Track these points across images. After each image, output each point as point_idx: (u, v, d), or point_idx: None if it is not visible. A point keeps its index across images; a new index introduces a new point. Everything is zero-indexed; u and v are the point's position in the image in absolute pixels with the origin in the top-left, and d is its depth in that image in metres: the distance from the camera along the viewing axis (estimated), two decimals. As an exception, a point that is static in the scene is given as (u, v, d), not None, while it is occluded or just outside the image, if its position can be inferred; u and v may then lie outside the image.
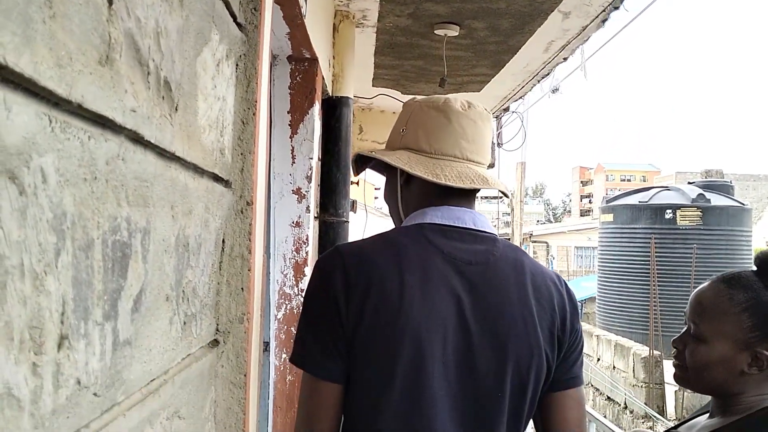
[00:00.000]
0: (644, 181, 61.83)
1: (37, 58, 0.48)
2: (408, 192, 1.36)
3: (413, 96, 1.41)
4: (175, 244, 0.85)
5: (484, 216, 1.35)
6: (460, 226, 1.29)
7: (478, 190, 1.34)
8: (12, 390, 0.46)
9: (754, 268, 1.26)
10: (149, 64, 0.71)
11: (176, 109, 0.83)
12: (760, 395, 1.20)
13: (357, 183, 5.33)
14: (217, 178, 1.06)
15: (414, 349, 1.18)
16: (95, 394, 0.60)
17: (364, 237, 1.36)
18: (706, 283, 1.28)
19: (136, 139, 0.69)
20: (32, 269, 0.48)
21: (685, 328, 1.27)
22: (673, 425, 1.39)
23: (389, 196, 1.43)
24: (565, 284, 1.34)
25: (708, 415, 1.29)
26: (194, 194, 0.93)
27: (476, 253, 1.26)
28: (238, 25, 1.16)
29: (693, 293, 1.29)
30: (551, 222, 62.80)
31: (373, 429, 1.20)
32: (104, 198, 0.61)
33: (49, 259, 0.51)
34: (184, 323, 0.92)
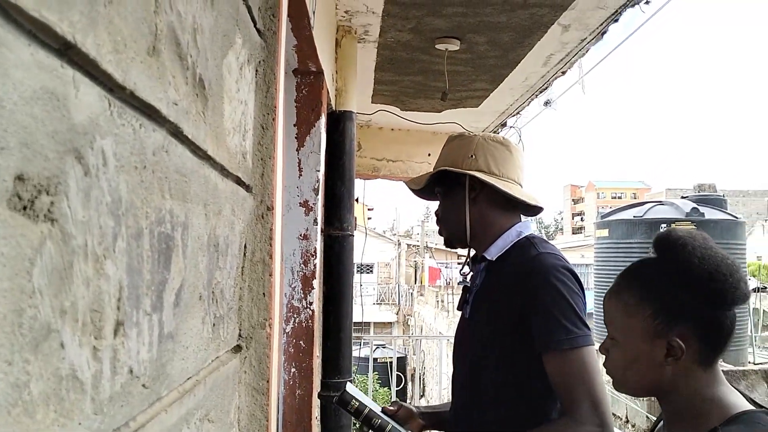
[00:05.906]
0: (635, 198, 62.08)
1: (99, 40, 0.48)
2: (475, 207, 1.62)
3: (462, 132, 1.73)
4: (207, 243, 0.84)
5: None
6: None
7: None
8: (76, 372, 0.46)
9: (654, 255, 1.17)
10: (188, 59, 0.72)
11: (207, 108, 0.83)
12: (698, 394, 1.09)
13: (357, 200, 5.31)
14: (239, 182, 1.06)
15: None
16: (144, 386, 0.60)
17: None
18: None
19: (176, 133, 0.69)
20: (94, 251, 0.48)
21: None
22: None
23: (453, 212, 1.63)
24: None
25: (662, 424, 1.20)
26: (222, 195, 0.93)
27: None
28: (258, 31, 1.16)
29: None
30: (544, 240, 62.66)
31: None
32: (151, 188, 0.61)
33: (108, 243, 0.50)
34: (214, 325, 0.91)
